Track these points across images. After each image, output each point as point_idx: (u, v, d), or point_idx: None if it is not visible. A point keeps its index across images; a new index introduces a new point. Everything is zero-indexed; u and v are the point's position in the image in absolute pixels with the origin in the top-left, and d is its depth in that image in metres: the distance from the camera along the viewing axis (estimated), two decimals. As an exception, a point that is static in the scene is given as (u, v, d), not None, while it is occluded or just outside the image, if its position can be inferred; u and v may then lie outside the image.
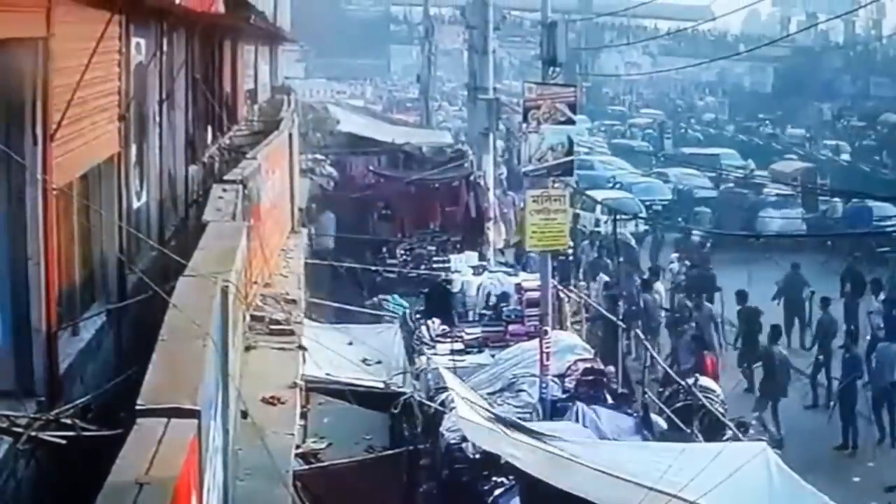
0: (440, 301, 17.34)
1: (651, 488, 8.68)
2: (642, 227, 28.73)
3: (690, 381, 14.13)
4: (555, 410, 13.02)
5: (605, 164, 39.17)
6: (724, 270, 24.12)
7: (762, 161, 41.48)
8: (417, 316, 17.11)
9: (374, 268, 20.15)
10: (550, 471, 9.65)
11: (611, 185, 35.80)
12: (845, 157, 44.56)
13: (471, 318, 17.11)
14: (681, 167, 38.15)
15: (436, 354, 15.01)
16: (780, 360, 17.43)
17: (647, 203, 32.91)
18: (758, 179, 33.64)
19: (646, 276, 21.98)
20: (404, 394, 11.71)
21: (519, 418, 12.03)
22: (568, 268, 21.31)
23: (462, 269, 18.88)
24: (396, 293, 18.72)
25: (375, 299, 17.97)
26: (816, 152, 45.16)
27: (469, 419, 10.45)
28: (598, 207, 28.67)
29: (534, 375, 13.58)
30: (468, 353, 15.43)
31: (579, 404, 12.51)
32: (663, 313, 20.90)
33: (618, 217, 24.13)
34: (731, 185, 34.35)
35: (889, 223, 29.05)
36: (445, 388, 12.71)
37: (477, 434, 10.58)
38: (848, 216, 30.43)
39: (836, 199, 30.94)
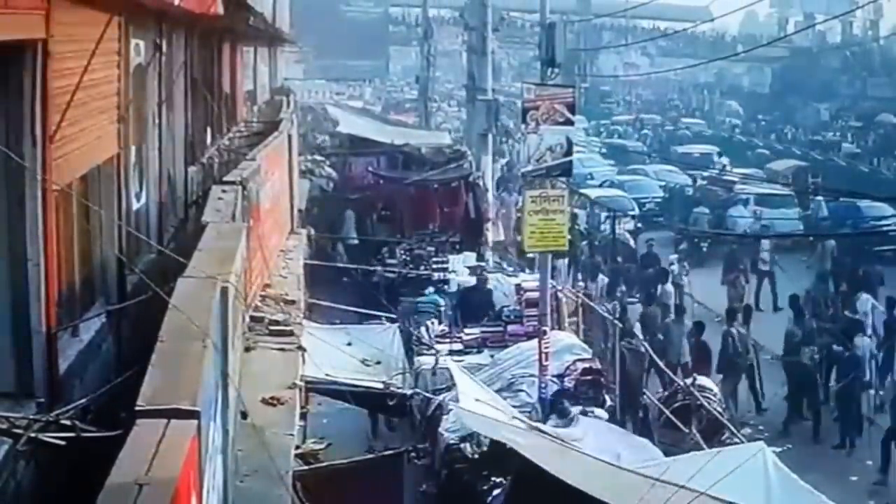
0: (478, 302, 17.23)
1: (657, 479, 8.68)
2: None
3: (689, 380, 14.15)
4: (553, 411, 13.03)
5: (581, 161, 39.11)
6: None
7: (761, 161, 41.62)
8: (416, 317, 17.11)
9: (375, 269, 20.18)
10: (552, 459, 9.65)
11: (598, 183, 35.76)
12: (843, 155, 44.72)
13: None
14: (661, 165, 38.37)
15: (436, 355, 15.03)
16: (738, 340, 17.60)
17: (640, 201, 32.97)
18: (732, 177, 33.77)
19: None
20: (405, 394, 11.72)
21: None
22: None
23: (460, 270, 18.90)
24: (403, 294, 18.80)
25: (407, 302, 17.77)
26: (815, 152, 45.25)
27: (469, 410, 10.47)
28: (590, 206, 28.67)
29: (533, 375, 13.60)
30: (467, 353, 15.44)
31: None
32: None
33: (609, 216, 24.14)
34: (704, 182, 34.50)
35: (881, 222, 29.07)
36: (444, 389, 12.74)
37: (477, 423, 10.60)
38: (836, 215, 30.43)
39: (820, 198, 30.95)
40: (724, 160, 41.76)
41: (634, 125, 57.89)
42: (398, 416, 13.84)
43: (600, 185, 34.85)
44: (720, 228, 29.87)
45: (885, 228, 28.56)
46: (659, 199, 34.67)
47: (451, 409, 11.77)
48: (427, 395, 12.54)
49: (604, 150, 45.70)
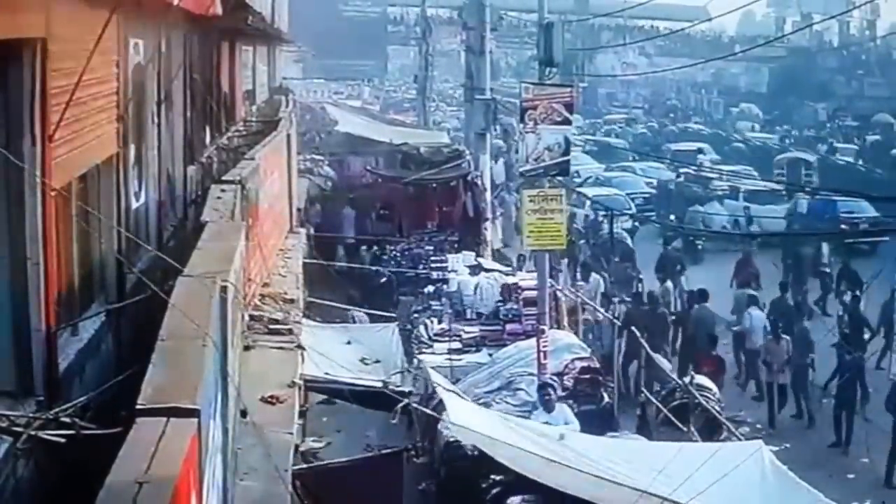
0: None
1: (644, 491, 8.71)
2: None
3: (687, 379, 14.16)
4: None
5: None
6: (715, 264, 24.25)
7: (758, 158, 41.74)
8: (415, 315, 17.14)
9: (372, 268, 20.19)
10: (544, 472, 9.69)
11: (582, 180, 35.75)
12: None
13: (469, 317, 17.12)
14: (649, 162, 38.52)
15: (433, 354, 15.04)
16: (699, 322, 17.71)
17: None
18: (711, 174, 33.91)
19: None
20: (403, 393, 11.72)
21: (517, 416, 12.07)
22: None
23: (459, 269, 18.91)
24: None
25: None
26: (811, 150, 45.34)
27: (462, 425, 10.49)
28: (588, 203, 28.70)
29: (531, 374, 13.64)
30: (466, 352, 15.46)
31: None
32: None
33: (602, 214, 24.07)
34: (681, 178, 34.65)
35: (853, 217, 29.14)
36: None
37: (471, 438, 10.64)
38: (813, 211, 30.50)
39: (801, 195, 31.03)
40: (705, 157, 41.79)
41: (629, 123, 58.05)
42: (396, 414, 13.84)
43: (583, 182, 34.71)
44: (692, 223, 29.89)
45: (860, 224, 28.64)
46: (646, 196, 34.71)
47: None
48: (420, 408, 12.50)
49: (589, 148, 45.61)
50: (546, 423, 12.24)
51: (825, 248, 24.44)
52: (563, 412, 12.60)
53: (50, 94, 5.87)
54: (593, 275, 21.39)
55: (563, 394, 13.50)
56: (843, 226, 29.00)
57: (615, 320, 16.58)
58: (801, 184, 33.73)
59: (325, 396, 12.88)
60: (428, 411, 11.86)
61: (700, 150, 43.67)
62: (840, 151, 45.51)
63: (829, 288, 23.53)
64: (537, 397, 12.89)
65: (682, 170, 35.07)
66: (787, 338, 17.54)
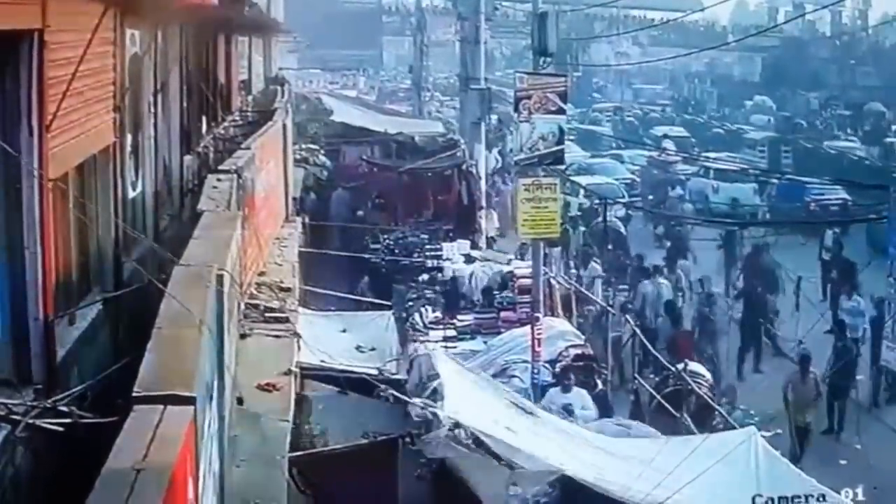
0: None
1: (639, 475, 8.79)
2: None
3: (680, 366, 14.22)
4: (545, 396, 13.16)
5: None
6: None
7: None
8: (410, 304, 17.16)
9: (366, 256, 20.19)
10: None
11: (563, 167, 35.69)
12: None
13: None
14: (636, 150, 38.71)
15: (429, 341, 15.09)
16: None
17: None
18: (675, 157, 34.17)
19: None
20: (397, 381, 11.77)
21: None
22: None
23: (454, 258, 18.94)
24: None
25: None
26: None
27: (455, 419, 10.53)
28: (581, 192, 28.73)
29: (525, 361, 13.71)
30: (461, 339, 15.51)
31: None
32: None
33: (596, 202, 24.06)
34: (646, 163, 34.76)
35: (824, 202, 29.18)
36: (438, 376, 12.76)
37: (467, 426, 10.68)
38: (782, 193, 30.52)
39: (774, 180, 31.12)
40: (670, 141, 41.95)
41: (615, 112, 58.20)
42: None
43: (566, 169, 34.66)
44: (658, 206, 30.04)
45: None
46: (627, 182, 34.82)
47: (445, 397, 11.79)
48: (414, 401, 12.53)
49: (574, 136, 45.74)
50: (567, 403, 12.38)
51: (829, 234, 24.21)
52: (580, 396, 12.72)
53: (47, 84, 5.91)
54: (592, 262, 21.45)
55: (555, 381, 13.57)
56: (812, 207, 29.09)
57: (610, 307, 16.66)
58: (780, 165, 33.83)
59: (320, 384, 12.91)
60: (419, 403, 11.90)
61: (665, 136, 43.78)
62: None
63: (829, 277, 23.40)
64: (547, 386, 13.04)
65: (649, 154, 35.35)
66: (815, 373, 15.72)
